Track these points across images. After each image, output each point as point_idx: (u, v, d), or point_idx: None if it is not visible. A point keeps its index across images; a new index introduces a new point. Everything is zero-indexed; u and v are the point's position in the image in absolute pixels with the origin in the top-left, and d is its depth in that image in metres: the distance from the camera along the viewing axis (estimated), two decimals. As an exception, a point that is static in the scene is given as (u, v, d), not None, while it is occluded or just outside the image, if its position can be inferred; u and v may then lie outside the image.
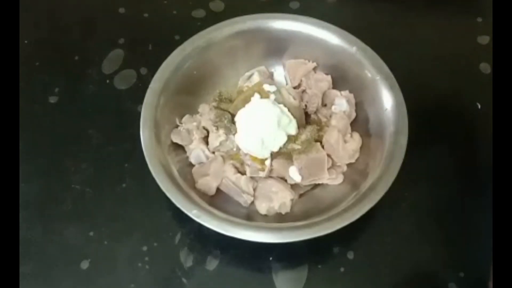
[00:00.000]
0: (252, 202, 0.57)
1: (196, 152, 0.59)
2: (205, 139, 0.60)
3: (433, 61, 0.71)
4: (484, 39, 0.73)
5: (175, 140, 0.59)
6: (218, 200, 0.57)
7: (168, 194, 0.52)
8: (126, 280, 0.55)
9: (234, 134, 0.58)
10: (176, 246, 0.57)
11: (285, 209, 0.56)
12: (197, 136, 0.59)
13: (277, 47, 0.65)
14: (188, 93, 0.63)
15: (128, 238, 0.57)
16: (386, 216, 0.58)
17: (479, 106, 0.67)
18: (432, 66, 0.70)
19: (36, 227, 0.58)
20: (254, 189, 0.57)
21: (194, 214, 0.50)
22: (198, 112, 0.62)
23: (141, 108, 0.57)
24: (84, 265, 0.56)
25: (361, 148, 0.60)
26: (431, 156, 0.63)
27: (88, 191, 0.60)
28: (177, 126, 0.60)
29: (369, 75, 0.60)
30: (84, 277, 0.55)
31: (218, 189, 0.58)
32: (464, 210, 0.59)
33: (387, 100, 0.58)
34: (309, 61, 0.64)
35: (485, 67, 0.70)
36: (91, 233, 0.58)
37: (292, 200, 0.56)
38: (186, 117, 0.61)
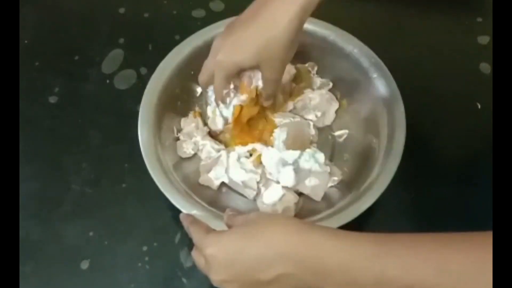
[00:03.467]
0: (256, 198, 0.57)
1: (207, 148, 0.59)
2: (209, 134, 0.61)
3: (433, 61, 0.71)
4: (484, 39, 0.73)
5: (184, 156, 0.59)
6: (218, 200, 0.57)
7: (167, 194, 0.52)
8: (126, 280, 0.55)
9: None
10: (176, 246, 0.57)
11: (289, 213, 0.56)
12: (200, 133, 0.60)
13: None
14: (186, 93, 0.63)
15: (128, 238, 0.57)
16: (384, 215, 0.58)
17: (479, 106, 0.67)
18: (432, 66, 0.70)
19: (36, 227, 0.58)
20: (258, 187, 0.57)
21: (194, 214, 0.50)
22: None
23: (140, 108, 0.57)
24: (84, 265, 0.56)
25: (359, 147, 0.60)
26: (431, 156, 0.63)
27: (88, 191, 0.60)
28: (177, 139, 0.60)
29: (367, 74, 0.60)
30: (84, 277, 0.55)
31: (220, 188, 0.58)
32: (464, 210, 0.59)
33: (385, 98, 0.58)
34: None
35: (485, 67, 0.70)
36: (91, 233, 0.58)
37: (296, 203, 0.56)
38: (183, 120, 0.61)
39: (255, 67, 0.52)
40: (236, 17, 0.52)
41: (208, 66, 0.53)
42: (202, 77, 0.55)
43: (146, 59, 0.70)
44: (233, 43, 0.50)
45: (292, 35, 0.48)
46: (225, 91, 0.55)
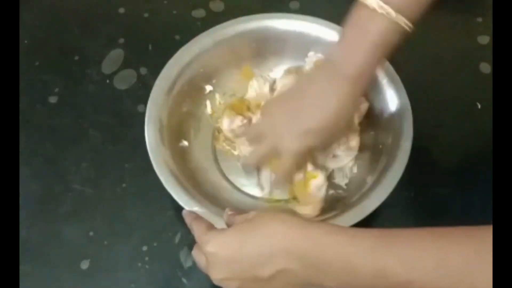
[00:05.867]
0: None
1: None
2: None
3: (433, 61, 0.71)
4: (484, 39, 0.73)
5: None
6: (220, 197, 0.57)
7: (172, 192, 0.52)
8: (126, 280, 0.55)
9: None
10: (176, 246, 0.57)
11: None
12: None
13: (281, 46, 0.65)
14: (194, 90, 0.63)
15: (128, 238, 0.57)
16: (388, 216, 0.58)
17: (479, 106, 0.67)
18: (432, 66, 0.70)
19: (36, 227, 0.58)
20: None
21: (196, 211, 0.51)
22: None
23: (141, 108, 0.57)
24: (84, 265, 0.56)
25: (365, 148, 0.60)
26: (431, 155, 0.63)
27: (88, 191, 0.60)
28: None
29: (376, 79, 0.60)
30: (84, 277, 0.55)
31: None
32: (464, 209, 0.59)
33: (392, 101, 0.59)
34: None
35: (485, 67, 0.70)
36: (91, 233, 0.58)
37: None
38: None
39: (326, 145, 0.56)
40: (279, 99, 0.55)
41: (261, 152, 0.55)
42: (252, 161, 0.57)
43: (146, 59, 0.70)
44: (300, 128, 0.51)
45: (353, 106, 0.53)
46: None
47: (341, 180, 0.59)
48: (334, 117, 0.51)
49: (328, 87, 0.50)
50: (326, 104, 0.50)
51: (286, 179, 0.56)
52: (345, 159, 0.59)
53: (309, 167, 0.56)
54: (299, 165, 0.55)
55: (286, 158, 0.53)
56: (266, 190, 0.58)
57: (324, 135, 0.52)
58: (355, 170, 0.60)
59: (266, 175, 0.58)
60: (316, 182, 0.56)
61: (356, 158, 0.60)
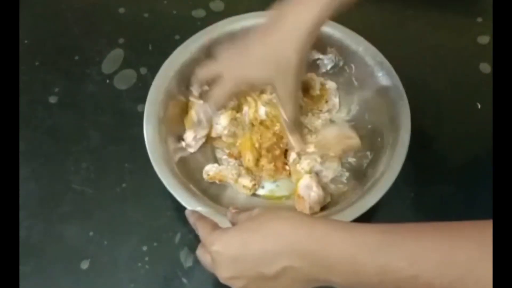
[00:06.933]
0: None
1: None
2: None
3: (433, 61, 0.71)
4: (484, 39, 0.73)
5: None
6: (222, 196, 0.57)
7: (172, 192, 0.52)
8: (126, 280, 0.55)
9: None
10: (176, 246, 0.57)
11: None
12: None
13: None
14: (190, 90, 0.62)
15: (128, 238, 0.57)
16: (386, 213, 0.58)
17: (479, 106, 0.67)
18: (432, 66, 0.70)
19: (36, 227, 0.58)
20: None
21: (198, 210, 0.50)
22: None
23: (141, 108, 0.57)
24: (84, 265, 0.56)
25: (365, 142, 0.60)
26: (431, 155, 0.63)
27: (88, 191, 0.60)
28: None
29: (373, 73, 0.60)
30: (84, 277, 0.55)
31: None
32: (465, 208, 0.59)
33: (390, 97, 0.59)
34: None
35: (485, 67, 0.70)
36: (91, 233, 0.58)
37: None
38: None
39: (267, 84, 0.55)
40: (237, 43, 0.54)
41: (213, 68, 0.55)
42: (203, 73, 0.56)
43: (146, 59, 0.70)
44: (246, 58, 0.52)
45: (301, 53, 0.51)
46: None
47: (341, 175, 0.60)
48: (281, 56, 0.51)
49: (285, 31, 0.50)
50: (278, 44, 0.51)
51: (219, 102, 0.56)
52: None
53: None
54: (234, 93, 0.56)
55: (225, 81, 0.53)
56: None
57: (267, 71, 0.52)
58: (354, 164, 0.60)
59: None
60: (304, 183, 0.56)
61: (356, 152, 0.60)
